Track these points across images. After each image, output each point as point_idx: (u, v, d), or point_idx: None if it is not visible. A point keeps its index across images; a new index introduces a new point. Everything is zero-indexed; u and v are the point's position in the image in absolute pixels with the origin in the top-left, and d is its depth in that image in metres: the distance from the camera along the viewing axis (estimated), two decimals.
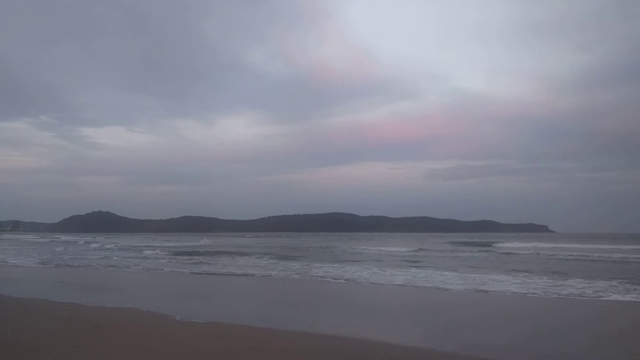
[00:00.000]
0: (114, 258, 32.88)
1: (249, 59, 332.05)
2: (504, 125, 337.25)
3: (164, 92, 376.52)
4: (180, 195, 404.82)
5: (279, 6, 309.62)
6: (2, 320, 9.31)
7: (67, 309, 11.01)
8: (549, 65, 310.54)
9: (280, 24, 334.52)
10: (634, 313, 11.85)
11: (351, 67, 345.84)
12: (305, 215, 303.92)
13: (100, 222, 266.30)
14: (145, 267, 25.38)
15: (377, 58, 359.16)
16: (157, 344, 7.41)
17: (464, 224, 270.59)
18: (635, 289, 14.79)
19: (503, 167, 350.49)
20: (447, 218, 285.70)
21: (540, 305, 12.52)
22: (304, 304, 13.16)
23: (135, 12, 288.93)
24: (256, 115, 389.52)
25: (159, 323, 9.45)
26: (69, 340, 7.53)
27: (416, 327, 9.91)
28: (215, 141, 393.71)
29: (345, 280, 18.25)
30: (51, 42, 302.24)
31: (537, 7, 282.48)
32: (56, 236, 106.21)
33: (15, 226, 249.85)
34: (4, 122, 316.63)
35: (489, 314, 11.56)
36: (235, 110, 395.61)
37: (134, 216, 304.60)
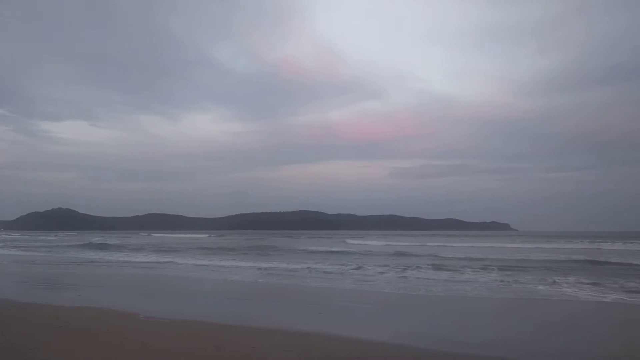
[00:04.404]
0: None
1: (215, 55, 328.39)
2: (468, 126, 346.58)
3: (127, 87, 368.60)
4: (145, 193, 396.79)
5: (244, 2, 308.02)
6: None
7: (22, 309, 10.70)
8: (509, 69, 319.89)
9: (246, 20, 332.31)
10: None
11: (318, 66, 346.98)
12: (273, 213, 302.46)
13: (61, 220, 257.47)
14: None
15: (344, 57, 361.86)
16: (121, 345, 7.32)
17: (429, 222, 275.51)
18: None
19: (467, 167, 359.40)
20: (413, 216, 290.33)
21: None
22: (267, 301, 13.20)
23: (97, 4, 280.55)
24: (223, 111, 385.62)
25: (123, 322, 9.30)
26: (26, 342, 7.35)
27: (385, 324, 10.10)
28: (181, 137, 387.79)
29: (312, 277, 18.39)
30: (7, 33, 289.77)
31: (497, 12, 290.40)
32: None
33: None
34: None
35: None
36: (201, 107, 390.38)
37: (97, 213, 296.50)
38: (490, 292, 14.48)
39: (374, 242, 57.19)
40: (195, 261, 27.52)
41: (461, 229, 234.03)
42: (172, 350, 6.98)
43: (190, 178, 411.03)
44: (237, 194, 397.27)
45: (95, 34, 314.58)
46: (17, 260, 30.44)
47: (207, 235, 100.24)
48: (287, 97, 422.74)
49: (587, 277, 17.79)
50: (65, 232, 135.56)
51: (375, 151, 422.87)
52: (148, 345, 7.29)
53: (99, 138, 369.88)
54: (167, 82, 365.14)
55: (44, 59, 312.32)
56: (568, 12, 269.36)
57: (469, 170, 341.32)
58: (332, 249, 40.09)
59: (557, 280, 16.73)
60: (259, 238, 79.89)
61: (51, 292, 15.33)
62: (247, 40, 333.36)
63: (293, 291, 15.50)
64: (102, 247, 46.61)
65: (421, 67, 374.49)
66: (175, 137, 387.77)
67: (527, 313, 11.67)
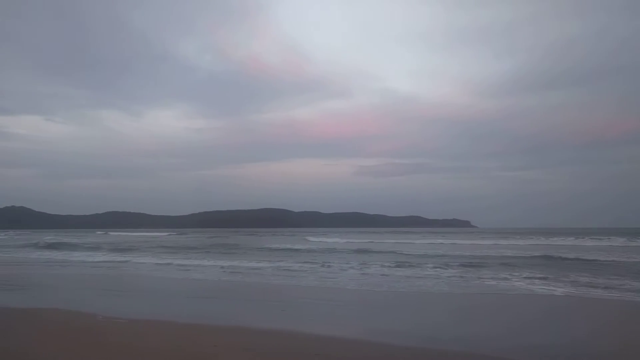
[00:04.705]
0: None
1: (179, 51, 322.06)
2: (431, 125, 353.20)
3: (87, 81, 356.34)
4: (105, 190, 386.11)
5: None
6: None
7: None
8: (472, 70, 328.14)
9: (212, 17, 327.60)
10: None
11: (284, 64, 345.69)
12: (238, 211, 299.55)
13: (14, 218, 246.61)
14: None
15: (309, 56, 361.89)
16: (79, 346, 7.11)
17: (392, 219, 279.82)
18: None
19: (430, 165, 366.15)
20: (377, 214, 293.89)
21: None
22: (229, 300, 13.10)
23: None
24: (187, 108, 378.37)
25: (80, 323, 9.03)
26: None
27: (349, 320, 10.20)
28: (144, 134, 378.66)
29: (273, 275, 18.37)
30: None
31: (462, 15, 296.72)
32: None
33: None
34: None
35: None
36: (165, 103, 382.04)
37: (54, 211, 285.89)
38: (451, 287, 14.84)
39: (336, 239, 57.53)
40: (155, 260, 27.02)
41: (424, 226, 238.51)
42: (131, 350, 6.84)
43: (153, 175, 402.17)
44: (201, 191, 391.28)
45: (54, 26, 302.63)
46: None
47: (166, 234, 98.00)
48: (252, 94, 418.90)
49: (542, 272, 18.52)
50: (17, 231, 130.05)
51: (339, 150, 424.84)
52: (106, 345, 7.12)
53: (56, 133, 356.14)
54: (130, 77, 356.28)
55: None
56: (520, 19, 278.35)
57: (431, 169, 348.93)
58: (295, 247, 40.11)
59: (514, 275, 17.37)
60: (221, 236, 78.99)
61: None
62: (213, 36, 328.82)
63: (256, 289, 15.44)
64: (55, 246, 44.86)
65: (385, 67, 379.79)
66: (137, 133, 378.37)
67: (486, 307, 12.06)
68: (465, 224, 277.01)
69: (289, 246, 41.82)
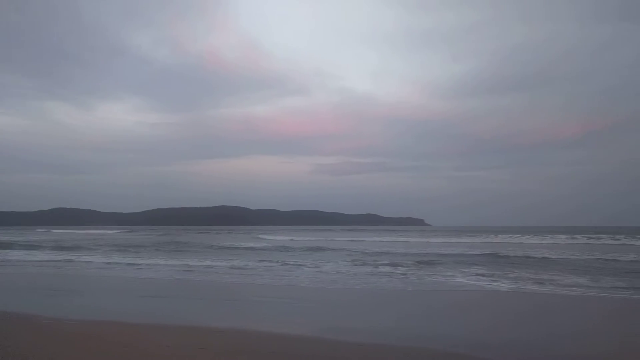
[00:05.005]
0: None
1: (133, 43, 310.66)
2: (388, 125, 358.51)
3: (33, 71, 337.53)
4: (52, 185, 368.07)
5: None
6: None
7: None
8: (427, 72, 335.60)
9: (169, 9, 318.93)
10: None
11: (242, 59, 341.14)
12: (193, 209, 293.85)
13: None
14: None
15: (268, 52, 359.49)
16: (21, 350, 6.81)
17: (349, 217, 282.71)
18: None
19: (386, 164, 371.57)
20: (334, 212, 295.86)
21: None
22: (182, 299, 12.89)
23: None
24: (141, 102, 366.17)
25: (22, 326, 8.63)
26: None
27: (303, 317, 10.24)
28: (95, 127, 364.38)
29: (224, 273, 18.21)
30: None
31: (423, 18, 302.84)
32: None
33: None
34: None
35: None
36: (117, 96, 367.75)
37: None
38: (404, 284, 15.20)
39: (292, 237, 57.60)
40: (103, 259, 26.13)
41: (379, 224, 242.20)
42: (79, 352, 6.62)
43: (104, 170, 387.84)
44: (155, 188, 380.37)
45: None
46: None
47: (116, 231, 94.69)
48: (210, 89, 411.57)
49: (489, 269, 19.28)
50: None
51: (298, 147, 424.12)
52: (50, 348, 6.85)
53: None
54: (80, 68, 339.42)
55: None
56: (482, 22, 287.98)
57: (387, 168, 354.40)
58: (250, 245, 39.87)
59: (464, 272, 18.02)
60: (173, 234, 77.10)
61: None
62: (170, 29, 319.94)
63: (209, 288, 15.26)
64: None
65: (345, 67, 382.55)
66: (87, 127, 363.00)
67: (437, 304, 12.47)
68: (419, 222, 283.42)
69: (243, 244, 41.49)
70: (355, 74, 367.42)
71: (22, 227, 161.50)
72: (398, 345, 7.49)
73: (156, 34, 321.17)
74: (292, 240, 50.12)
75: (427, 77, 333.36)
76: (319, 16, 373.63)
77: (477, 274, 17.47)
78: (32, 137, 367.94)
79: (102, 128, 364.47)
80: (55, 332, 8.08)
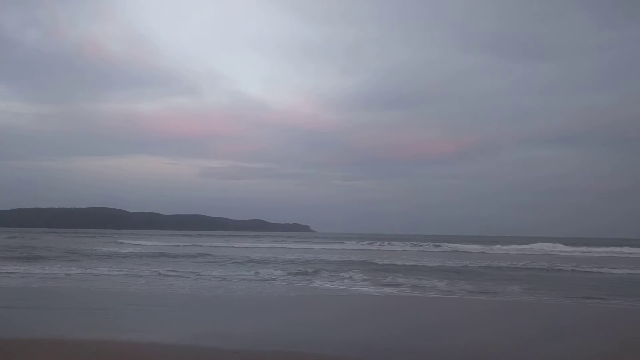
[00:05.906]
0: None
1: None
2: (279, 132, 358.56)
3: None
4: None
5: None
6: None
7: None
8: (318, 83, 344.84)
9: None
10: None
11: (127, 54, 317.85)
12: (63, 209, 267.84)
13: None
14: None
15: (157, 49, 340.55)
16: None
17: (236, 222, 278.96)
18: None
19: (274, 171, 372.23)
20: (220, 216, 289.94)
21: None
22: (40, 309, 11.69)
23: None
24: (4, 89, 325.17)
25: None
26: None
27: (177, 325, 9.86)
28: None
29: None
30: None
31: (308, 28, 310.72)
32: None
33: None
34: None
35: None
36: None
37: None
38: (287, 290, 15.41)
39: (170, 242, 55.27)
40: None
41: (266, 229, 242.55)
42: None
43: None
44: (17, 183, 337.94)
45: None
46: None
47: None
48: (88, 81, 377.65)
49: (366, 274, 20.35)
50: None
51: (184, 149, 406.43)
52: None
53: None
54: None
55: None
56: (366, 40, 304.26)
57: (274, 174, 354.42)
58: (121, 250, 37.48)
59: (344, 277, 18.89)
60: (26, 237, 67.95)
61: None
62: (43, 10, 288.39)
63: (73, 296, 14.00)
64: None
65: (238, 70, 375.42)
66: None
67: (316, 308, 12.92)
68: (305, 228, 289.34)
69: (114, 249, 38.74)
70: (247, 78, 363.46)
71: None
72: (274, 350, 7.58)
73: (25, 15, 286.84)
74: (164, 245, 47.98)
75: (314, 87, 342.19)
76: (212, 18, 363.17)
77: (355, 279, 18.37)
78: None
79: None
80: None
